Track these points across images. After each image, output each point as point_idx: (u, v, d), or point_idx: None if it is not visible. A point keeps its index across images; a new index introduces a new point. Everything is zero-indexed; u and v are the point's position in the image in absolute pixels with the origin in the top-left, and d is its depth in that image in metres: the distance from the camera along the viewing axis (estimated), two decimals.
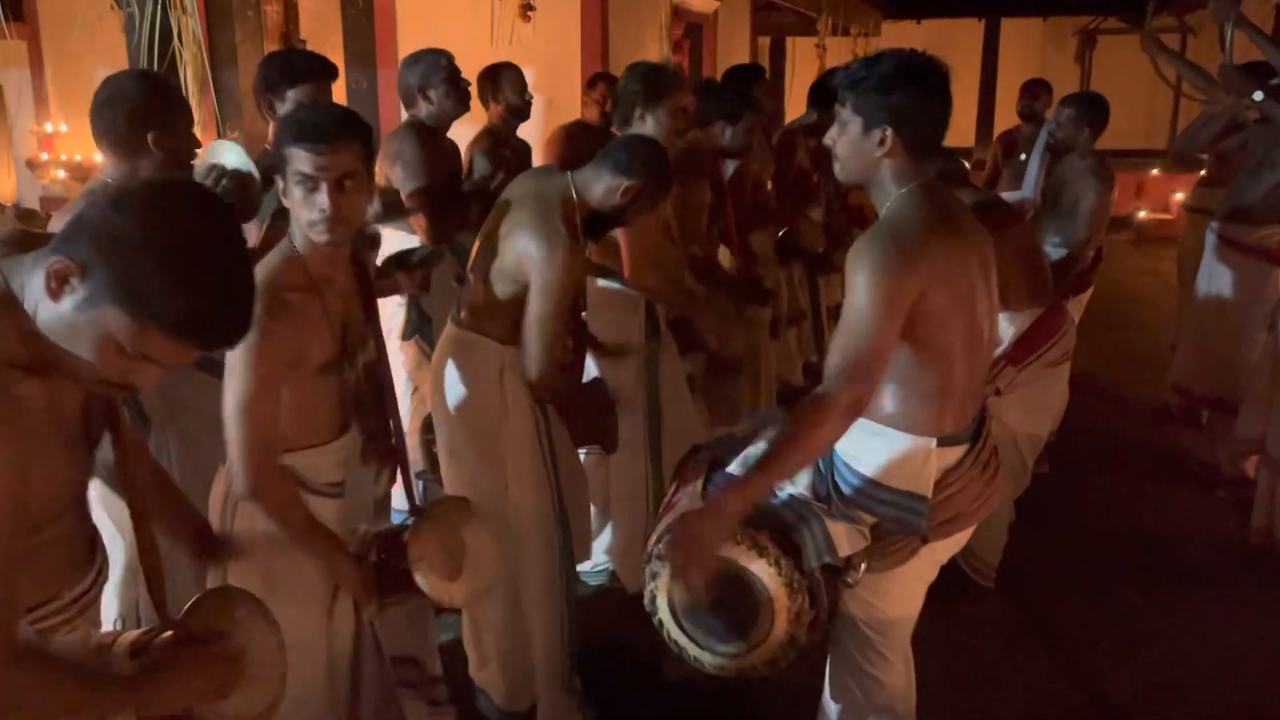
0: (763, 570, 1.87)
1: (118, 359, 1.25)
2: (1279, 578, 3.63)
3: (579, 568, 3.46)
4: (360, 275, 2.10)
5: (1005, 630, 3.32)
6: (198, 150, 2.50)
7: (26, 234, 1.39)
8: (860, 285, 1.83)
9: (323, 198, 1.84)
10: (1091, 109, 4.17)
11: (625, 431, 3.01)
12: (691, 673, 2.07)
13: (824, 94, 5.06)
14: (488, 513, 2.37)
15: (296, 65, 2.92)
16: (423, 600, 2.05)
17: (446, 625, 3.02)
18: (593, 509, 3.34)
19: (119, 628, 1.54)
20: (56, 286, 1.22)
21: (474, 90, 3.77)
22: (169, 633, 1.47)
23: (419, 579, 1.98)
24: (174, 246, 1.22)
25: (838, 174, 2.02)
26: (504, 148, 4.00)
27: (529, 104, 4.12)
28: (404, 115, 3.66)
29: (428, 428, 2.94)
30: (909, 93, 1.87)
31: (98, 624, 1.57)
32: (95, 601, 1.49)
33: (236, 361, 1.83)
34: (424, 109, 3.54)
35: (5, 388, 1.22)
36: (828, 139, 2.01)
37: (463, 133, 3.80)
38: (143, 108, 2.35)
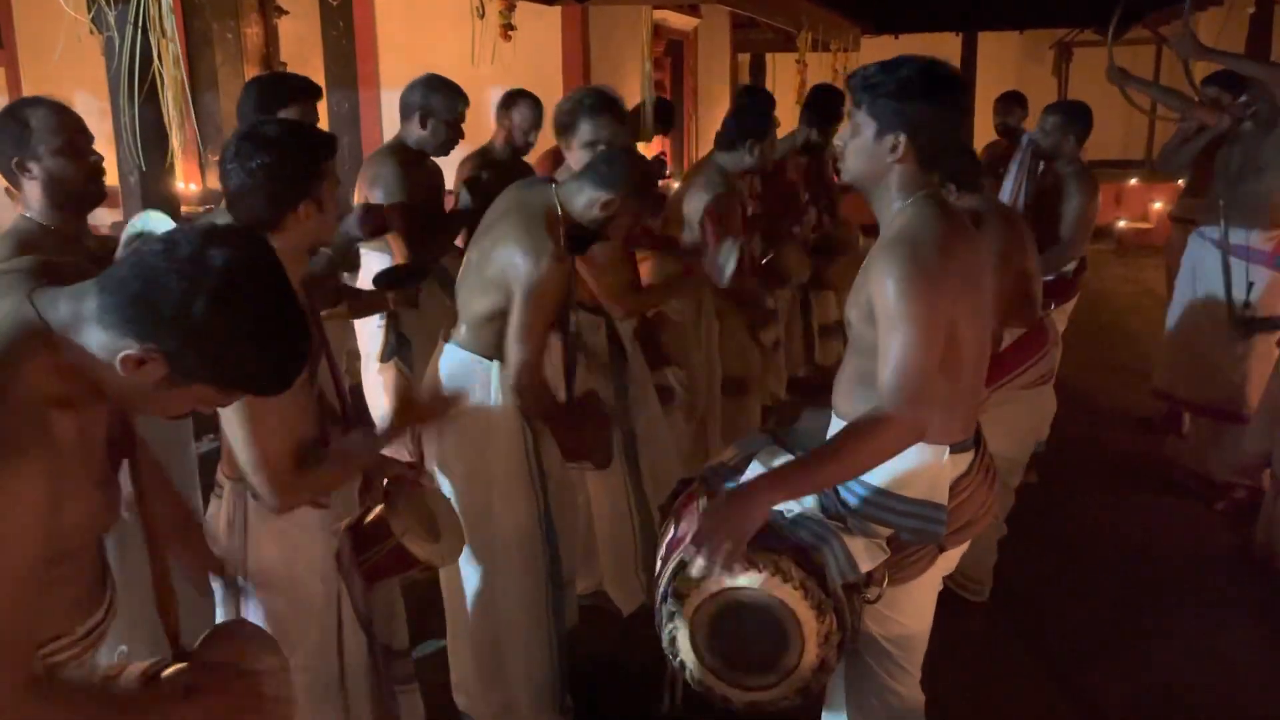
0: (788, 595, 1.81)
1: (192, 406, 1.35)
2: (1267, 585, 3.64)
3: None
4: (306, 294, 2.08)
5: (998, 644, 3.31)
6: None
7: (49, 263, 1.37)
8: (897, 303, 1.76)
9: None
10: (1077, 116, 4.19)
11: None
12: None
13: (815, 111, 5.09)
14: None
15: (287, 86, 2.93)
16: (415, 569, 2.18)
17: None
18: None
19: (120, 660, 1.53)
20: (135, 368, 1.22)
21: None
22: (180, 664, 1.47)
23: (411, 547, 2.09)
24: (260, 330, 1.25)
25: (842, 174, 1.97)
26: (493, 170, 3.97)
27: (530, 144, 4.14)
28: (385, 135, 3.64)
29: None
30: (928, 102, 1.83)
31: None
32: (104, 636, 1.48)
33: None
34: (415, 133, 3.53)
35: (44, 424, 1.21)
36: (837, 139, 1.98)
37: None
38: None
